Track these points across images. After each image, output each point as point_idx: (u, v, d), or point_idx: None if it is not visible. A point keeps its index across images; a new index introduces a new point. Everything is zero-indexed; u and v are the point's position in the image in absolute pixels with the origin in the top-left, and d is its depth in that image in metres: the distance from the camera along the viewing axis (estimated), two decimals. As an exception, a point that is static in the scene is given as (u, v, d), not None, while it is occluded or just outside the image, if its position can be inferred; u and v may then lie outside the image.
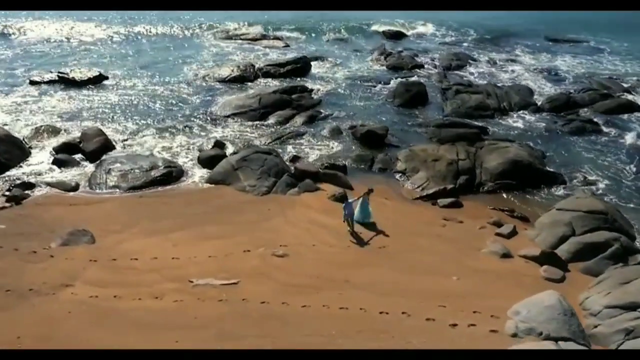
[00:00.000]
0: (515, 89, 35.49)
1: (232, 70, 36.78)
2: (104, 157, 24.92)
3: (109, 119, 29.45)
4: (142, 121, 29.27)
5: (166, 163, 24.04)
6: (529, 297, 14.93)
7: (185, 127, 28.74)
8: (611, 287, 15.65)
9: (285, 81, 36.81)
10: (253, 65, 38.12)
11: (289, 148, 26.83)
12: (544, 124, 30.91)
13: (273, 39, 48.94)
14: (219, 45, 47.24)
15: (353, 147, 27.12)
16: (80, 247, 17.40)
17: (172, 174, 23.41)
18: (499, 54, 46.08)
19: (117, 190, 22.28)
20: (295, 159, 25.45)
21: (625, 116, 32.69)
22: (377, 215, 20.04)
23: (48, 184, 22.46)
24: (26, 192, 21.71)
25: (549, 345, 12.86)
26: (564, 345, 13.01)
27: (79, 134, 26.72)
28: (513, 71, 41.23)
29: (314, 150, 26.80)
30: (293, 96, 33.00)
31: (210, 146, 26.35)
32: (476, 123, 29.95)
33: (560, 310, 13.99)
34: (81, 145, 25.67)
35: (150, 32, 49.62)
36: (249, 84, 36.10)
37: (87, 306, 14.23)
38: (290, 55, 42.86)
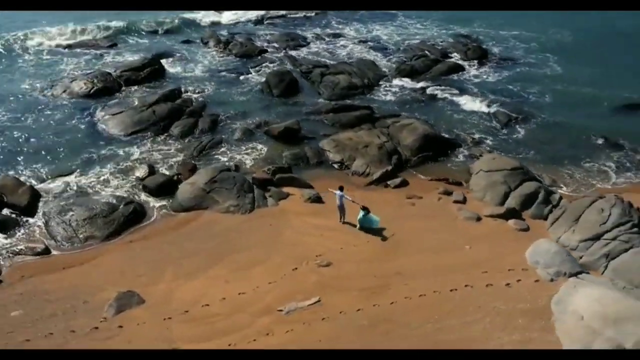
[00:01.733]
0: (363, 64, 39.81)
1: (92, 83, 34.51)
2: (41, 208, 23.08)
3: (3, 165, 26.43)
4: (43, 160, 26.67)
5: (120, 200, 23.21)
6: (527, 248, 19.46)
7: (95, 156, 27.15)
8: (570, 225, 21.03)
9: (150, 86, 36.00)
10: (110, 74, 36.17)
11: (222, 158, 27.50)
12: (406, 94, 35.93)
13: (92, 38, 45.80)
14: (31, 50, 42.91)
15: (276, 146, 28.68)
16: (136, 309, 17.11)
17: (137, 210, 22.88)
18: (320, 29, 49.86)
19: (94, 240, 21.26)
20: (237, 168, 26.39)
21: (456, 76, 39.40)
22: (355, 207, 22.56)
23: (13, 253, 20.44)
24: (-8, 267, 19.63)
25: (577, 281, 17.47)
26: (582, 277, 17.80)
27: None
28: (344, 46, 45.51)
29: (243, 156, 27.87)
30: (177, 102, 32.83)
31: (142, 173, 25.65)
32: (360, 104, 33.54)
33: (564, 252, 18.85)
34: (6, 199, 23.14)
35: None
36: (118, 94, 34.56)
37: (215, 363, 14.82)
38: (130, 56, 41.42)
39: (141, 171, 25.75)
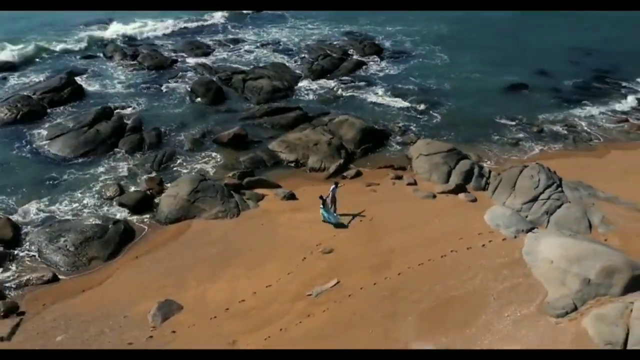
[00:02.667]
0: (277, 67, 42.22)
1: (17, 108, 33.46)
2: (26, 239, 23.20)
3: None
4: (5, 192, 26.14)
5: (107, 220, 23.80)
6: (483, 215, 23.49)
7: (57, 181, 27.14)
8: (510, 192, 25.46)
9: (75, 105, 35.75)
10: (30, 97, 35.24)
11: (182, 170, 28.78)
12: (325, 93, 39.03)
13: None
14: None
15: (229, 153, 30.39)
16: (180, 315, 18.63)
17: (127, 228, 23.79)
18: (221, 35, 51.18)
19: (98, 261, 22.00)
20: (204, 177, 27.86)
21: (362, 72, 43.28)
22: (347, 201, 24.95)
23: (20, 285, 20.69)
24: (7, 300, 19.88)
25: (534, 235, 21.67)
26: (536, 231, 22.09)
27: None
28: (250, 51, 47.43)
29: (202, 165, 29.35)
30: (113, 119, 33.15)
31: (113, 192, 26.27)
32: (289, 105, 36.04)
33: (516, 214, 23.12)
34: (-12, 235, 22.96)
35: None
36: (46, 117, 33.98)
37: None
38: (35, 77, 40.22)
39: (112, 190, 26.37)
